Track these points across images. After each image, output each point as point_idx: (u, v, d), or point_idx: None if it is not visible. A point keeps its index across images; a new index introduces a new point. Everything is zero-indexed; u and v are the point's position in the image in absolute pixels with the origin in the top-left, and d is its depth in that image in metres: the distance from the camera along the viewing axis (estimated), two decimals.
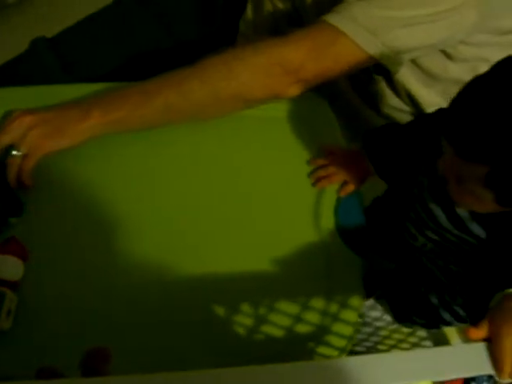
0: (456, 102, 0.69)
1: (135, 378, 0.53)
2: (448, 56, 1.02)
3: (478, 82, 0.68)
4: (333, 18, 0.91)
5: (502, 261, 0.76)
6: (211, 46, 1.33)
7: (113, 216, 0.93)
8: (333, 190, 1.00)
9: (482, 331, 0.62)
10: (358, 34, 0.90)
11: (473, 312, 0.78)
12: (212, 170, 1.00)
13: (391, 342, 1.17)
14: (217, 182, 0.98)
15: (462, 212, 0.79)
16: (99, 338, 0.80)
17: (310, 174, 1.01)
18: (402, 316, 1.11)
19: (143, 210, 0.94)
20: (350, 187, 0.99)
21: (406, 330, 1.13)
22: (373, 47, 0.91)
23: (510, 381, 0.71)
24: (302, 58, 0.92)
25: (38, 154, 0.90)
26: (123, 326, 0.84)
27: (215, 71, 0.93)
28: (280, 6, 1.18)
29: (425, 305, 1.00)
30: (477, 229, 0.79)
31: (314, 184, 1.00)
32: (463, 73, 1.05)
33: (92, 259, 0.90)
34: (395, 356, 0.58)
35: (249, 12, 1.24)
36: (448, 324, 1.01)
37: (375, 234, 0.98)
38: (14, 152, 0.90)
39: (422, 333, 1.13)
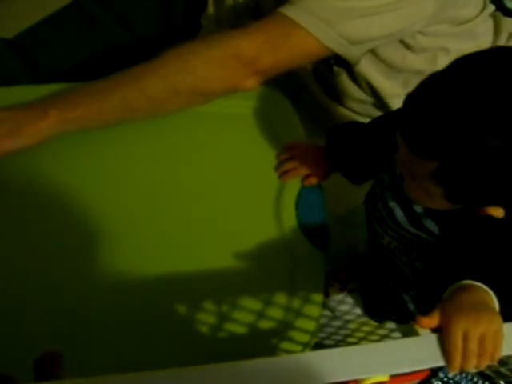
0: (410, 98, 0.69)
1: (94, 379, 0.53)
2: (407, 46, 1.02)
3: (431, 80, 0.68)
4: (288, 10, 0.91)
5: (454, 256, 0.77)
6: (173, 43, 1.33)
7: (86, 217, 0.93)
8: (295, 186, 0.99)
9: (432, 320, 0.62)
10: (314, 25, 0.90)
11: (425, 303, 0.79)
12: (173, 167, 0.99)
13: (360, 335, 1.17)
14: (178, 179, 0.98)
15: (418, 209, 0.80)
16: (52, 337, 0.81)
17: (275, 169, 1.01)
18: (374, 310, 1.12)
19: (106, 210, 0.94)
20: (313, 179, 0.99)
21: (374, 322, 1.14)
22: (329, 38, 0.91)
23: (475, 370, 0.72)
24: (257, 50, 0.91)
25: None
26: (85, 326, 0.84)
27: (171, 65, 0.92)
28: (240, 0, 1.18)
29: (394, 299, 1.01)
30: (431, 225, 0.79)
31: (279, 177, 1.00)
32: (423, 63, 1.05)
33: (44, 264, 0.90)
34: (347, 350, 0.58)
35: (210, 7, 1.23)
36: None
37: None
38: None
39: (391, 325, 1.13)
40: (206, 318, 0.86)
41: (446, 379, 0.98)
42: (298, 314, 0.87)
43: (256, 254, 0.93)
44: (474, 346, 0.61)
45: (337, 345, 1.17)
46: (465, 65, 0.67)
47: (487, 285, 0.68)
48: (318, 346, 0.97)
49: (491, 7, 1.09)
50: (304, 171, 1.00)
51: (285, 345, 0.85)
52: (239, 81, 0.94)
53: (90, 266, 0.89)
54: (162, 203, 0.96)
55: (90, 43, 1.27)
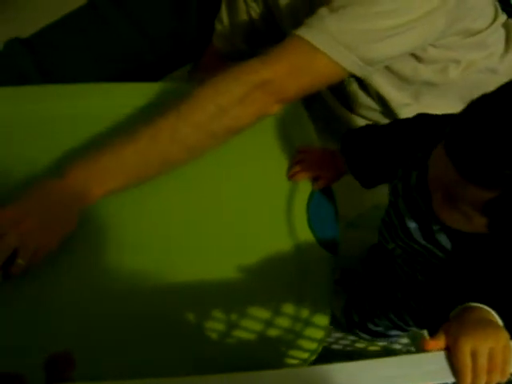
0: (468, 116, 0.64)
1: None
2: (418, 59, 1.02)
3: (495, 97, 0.63)
4: (307, 33, 0.90)
5: (465, 275, 0.75)
6: (186, 47, 1.34)
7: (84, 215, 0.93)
8: (307, 189, 1.00)
9: (439, 342, 0.62)
10: (334, 49, 0.89)
11: (431, 323, 0.78)
12: (184, 169, 0.98)
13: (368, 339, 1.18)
14: (189, 182, 0.98)
15: (436, 226, 0.78)
16: (64, 338, 0.81)
17: (287, 171, 1.02)
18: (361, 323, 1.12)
19: (112, 210, 0.94)
20: (323, 182, 1.00)
21: None
22: (349, 62, 0.90)
23: None
24: (281, 80, 0.91)
25: (46, 250, 0.84)
26: (93, 333, 0.84)
27: (205, 112, 0.91)
28: (253, 5, 1.18)
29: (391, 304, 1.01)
30: (444, 240, 0.78)
31: (289, 178, 1.01)
32: (433, 74, 1.05)
33: (57, 264, 0.89)
34: (356, 365, 0.59)
35: (223, 11, 1.23)
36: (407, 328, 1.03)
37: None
38: (20, 261, 0.82)
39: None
40: (215, 325, 0.86)
41: None
42: (307, 322, 0.87)
43: (266, 262, 0.93)
44: (483, 362, 0.61)
45: (344, 350, 1.18)
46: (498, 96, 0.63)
47: (492, 308, 0.67)
48: (326, 350, 0.97)
49: (503, 17, 1.09)
50: (314, 173, 1.00)
51: (292, 352, 0.85)
52: (266, 110, 0.95)
53: (100, 268, 0.89)
54: (173, 206, 0.96)
55: (104, 45, 1.27)
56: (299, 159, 1.01)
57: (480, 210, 0.65)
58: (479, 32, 1.02)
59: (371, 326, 1.09)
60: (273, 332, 0.86)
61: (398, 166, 0.87)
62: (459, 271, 0.77)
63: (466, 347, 0.61)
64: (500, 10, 1.08)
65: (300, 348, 0.85)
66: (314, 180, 1.00)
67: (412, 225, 0.82)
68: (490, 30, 1.04)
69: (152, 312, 0.87)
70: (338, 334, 1.18)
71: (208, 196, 0.98)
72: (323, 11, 0.90)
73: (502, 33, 1.10)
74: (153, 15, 1.29)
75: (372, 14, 0.88)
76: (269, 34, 1.22)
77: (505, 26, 1.11)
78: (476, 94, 0.64)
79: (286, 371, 0.60)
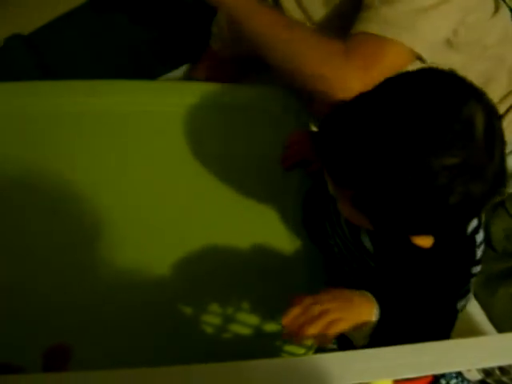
0: (323, 125, 0.69)
1: (103, 373, 0.54)
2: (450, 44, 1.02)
3: (346, 107, 0.68)
4: (371, 27, 0.90)
5: (384, 279, 0.77)
6: (185, 46, 1.35)
7: (86, 211, 0.94)
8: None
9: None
10: (401, 35, 0.89)
11: None
12: (180, 161, 1.01)
13: None
14: (184, 174, 0.99)
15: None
16: (62, 329, 0.81)
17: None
18: None
19: (112, 206, 0.95)
20: (316, 165, 0.98)
21: None
22: (418, 44, 0.91)
23: (478, 378, 0.73)
24: (362, 82, 0.88)
25: None
26: (90, 323, 0.85)
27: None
28: None
29: None
30: (367, 242, 0.78)
31: (281, 163, 1.01)
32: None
33: (64, 253, 0.91)
34: (349, 355, 0.59)
35: (220, 15, 1.24)
36: None
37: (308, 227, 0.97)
38: None
39: None
40: (211, 319, 0.87)
41: None
42: None
43: (262, 253, 0.93)
44: (316, 309, 0.65)
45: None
46: (363, 98, 0.67)
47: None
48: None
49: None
50: (306, 156, 0.99)
51: (288, 347, 0.85)
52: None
53: (98, 262, 0.90)
54: (171, 199, 0.97)
55: (102, 44, 1.28)
56: (290, 142, 1.01)
57: (351, 205, 0.68)
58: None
59: None
60: (269, 327, 0.86)
61: None
62: (380, 273, 0.78)
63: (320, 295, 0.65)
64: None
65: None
66: (306, 164, 1.00)
67: (344, 220, 0.81)
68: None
69: (147, 305, 0.87)
70: None
71: (203, 188, 0.99)
72: (373, 2, 0.90)
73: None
74: (151, 15, 1.30)
75: None
76: None
77: None
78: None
79: (280, 360, 0.60)
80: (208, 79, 1.28)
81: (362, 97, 0.67)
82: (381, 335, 0.69)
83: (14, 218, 0.94)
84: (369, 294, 0.70)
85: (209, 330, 0.86)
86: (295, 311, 0.67)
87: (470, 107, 0.62)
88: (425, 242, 0.70)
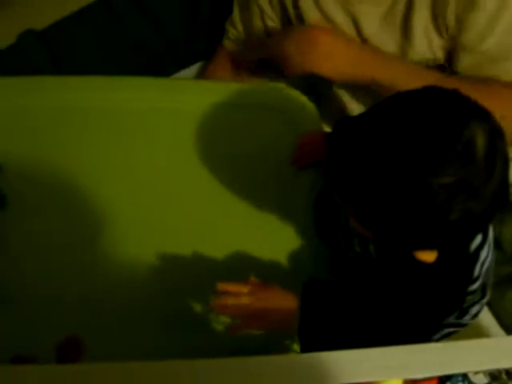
0: (330, 144, 0.73)
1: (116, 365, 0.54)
2: None
3: (351, 125, 0.69)
4: (495, 70, 0.96)
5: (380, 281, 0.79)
6: (197, 45, 1.35)
7: (92, 207, 0.94)
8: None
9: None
10: None
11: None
12: (193, 158, 1.01)
13: None
14: (198, 171, 1.00)
15: None
16: (76, 322, 0.82)
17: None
18: None
19: (115, 198, 0.96)
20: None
21: None
22: None
23: (484, 382, 0.72)
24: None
25: None
26: (101, 313, 0.86)
27: None
28: (268, 11, 1.16)
29: None
30: (371, 247, 0.80)
31: (292, 164, 1.01)
32: None
33: (71, 249, 0.91)
34: (362, 353, 0.59)
35: (236, 14, 1.24)
36: None
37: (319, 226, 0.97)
38: None
39: None
40: (221, 316, 0.86)
41: None
42: None
43: (269, 248, 0.93)
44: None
45: None
46: (367, 117, 0.68)
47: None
48: None
49: None
50: (318, 157, 0.99)
51: (297, 346, 0.85)
52: None
53: (105, 254, 0.91)
54: (179, 197, 0.97)
55: (117, 40, 1.28)
56: (304, 142, 1.01)
57: (356, 220, 0.71)
58: None
59: None
60: None
61: None
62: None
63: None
64: None
65: None
66: (319, 164, 0.99)
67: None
68: None
69: (155, 303, 0.88)
70: None
71: (214, 190, 0.99)
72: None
73: None
74: (166, 13, 1.30)
75: None
76: None
77: None
78: None
79: (292, 357, 0.60)
80: (220, 78, 1.28)
81: (366, 116, 0.68)
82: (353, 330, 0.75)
83: (21, 213, 0.94)
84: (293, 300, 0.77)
85: (217, 325, 0.87)
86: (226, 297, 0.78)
87: (471, 128, 0.63)
88: (428, 257, 0.71)
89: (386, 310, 0.76)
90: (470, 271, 0.78)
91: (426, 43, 1.01)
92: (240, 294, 0.79)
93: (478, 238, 0.77)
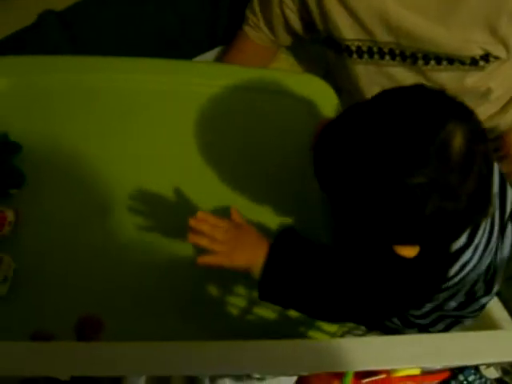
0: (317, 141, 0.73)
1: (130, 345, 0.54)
2: None
3: (336, 122, 0.71)
4: None
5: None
6: (218, 30, 1.35)
7: (108, 190, 0.95)
8: None
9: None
10: None
11: None
12: (208, 141, 1.01)
13: None
14: (213, 156, 1.00)
15: None
16: (93, 302, 0.82)
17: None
18: None
19: (145, 187, 0.96)
20: None
21: None
22: None
23: (496, 376, 0.72)
24: None
25: None
26: (118, 293, 0.87)
27: None
28: (287, 1, 1.18)
29: None
30: None
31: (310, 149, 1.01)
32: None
33: (87, 229, 0.92)
34: (376, 340, 0.59)
35: (255, 1, 1.24)
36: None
37: None
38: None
39: None
40: (235, 299, 0.88)
41: (465, 383, 0.98)
42: None
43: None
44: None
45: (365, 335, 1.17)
46: (351, 113, 0.70)
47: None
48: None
49: None
50: None
51: (312, 333, 0.86)
52: None
53: (119, 235, 0.91)
54: (194, 177, 0.97)
55: (136, 23, 1.28)
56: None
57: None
58: None
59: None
60: (294, 312, 0.86)
61: None
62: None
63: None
64: None
65: (319, 329, 0.86)
66: None
67: None
68: None
69: (175, 285, 0.88)
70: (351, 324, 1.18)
71: (229, 177, 0.98)
72: None
73: None
74: None
75: None
76: (303, 31, 1.23)
77: None
78: None
79: (306, 342, 0.60)
80: (240, 63, 1.27)
81: (351, 112, 0.70)
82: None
83: (39, 193, 0.94)
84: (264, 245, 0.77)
85: (233, 311, 0.87)
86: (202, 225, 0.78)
87: (447, 130, 0.63)
88: (409, 252, 0.72)
89: (350, 281, 0.77)
90: (445, 270, 0.78)
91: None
92: (216, 227, 0.79)
93: (462, 240, 0.77)
